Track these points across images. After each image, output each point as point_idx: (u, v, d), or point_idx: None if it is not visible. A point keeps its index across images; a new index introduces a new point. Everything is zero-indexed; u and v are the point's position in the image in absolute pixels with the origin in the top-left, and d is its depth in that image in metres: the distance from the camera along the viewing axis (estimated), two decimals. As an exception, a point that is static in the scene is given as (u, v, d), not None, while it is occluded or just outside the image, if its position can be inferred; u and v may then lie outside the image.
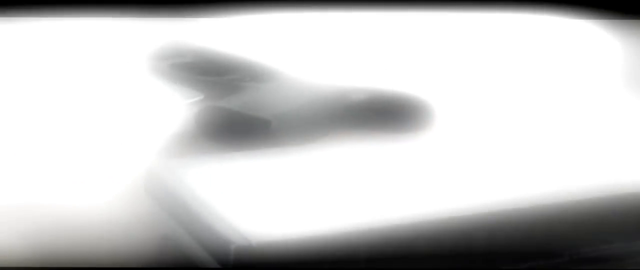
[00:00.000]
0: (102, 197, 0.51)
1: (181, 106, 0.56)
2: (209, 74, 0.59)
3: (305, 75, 0.58)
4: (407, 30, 0.64)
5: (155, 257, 0.49)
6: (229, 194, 0.48)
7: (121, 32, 0.61)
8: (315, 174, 0.51)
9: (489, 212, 0.48)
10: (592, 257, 0.49)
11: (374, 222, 0.46)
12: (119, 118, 0.55)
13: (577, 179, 0.51)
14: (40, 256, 0.49)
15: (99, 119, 0.55)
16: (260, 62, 0.59)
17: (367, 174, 0.51)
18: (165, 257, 0.49)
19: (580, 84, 0.62)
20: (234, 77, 0.59)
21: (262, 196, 0.48)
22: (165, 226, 0.50)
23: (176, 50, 0.60)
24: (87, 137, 0.54)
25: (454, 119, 0.57)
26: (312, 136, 0.54)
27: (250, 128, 0.54)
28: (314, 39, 0.62)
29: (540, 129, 0.58)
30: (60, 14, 0.60)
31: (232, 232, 0.44)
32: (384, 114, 0.57)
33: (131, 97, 0.56)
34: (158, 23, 0.61)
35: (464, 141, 0.55)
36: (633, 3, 0.65)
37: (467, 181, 0.51)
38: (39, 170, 0.53)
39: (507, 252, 0.48)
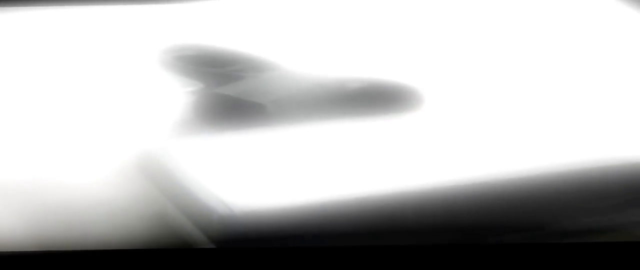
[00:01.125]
0: (97, 176, 0.52)
1: (181, 94, 0.58)
2: (209, 65, 0.61)
3: (302, 65, 0.60)
4: (405, 17, 0.65)
5: (149, 235, 0.51)
6: (217, 169, 0.49)
7: (123, 19, 0.63)
8: (304, 152, 0.52)
9: (472, 184, 0.49)
10: (575, 229, 0.50)
11: (357, 193, 0.47)
12: (119, 103, 0.56)
13: (561, 152, 0.52)
14: (34, 235, 0.51)
15: (98, 103, 0.57)
16: (259, 53, 0.61)
17: (355, 151, 0.52)
18: (159, 236, 0.50)
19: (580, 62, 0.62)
20: (233, 68, 0.60)
21: (250, 171, 0.49)
22: (159, 204, 0.51)
23: (178, 43, 0.62)
24: (85, 119, 0.56)
25: (445, 100, 0.58)
26: (306, 121, 0.56)
27: (247, 113, 0.56)
28: (311, 26, 0.64)
29: (528, 105, 0.59)
30: (62, 3, 0.62)
31: (216, 203, 0.46)
32: (379, 102, 0.58)
33: (132, 85, 0.58)
34: (161, 9, 0.63)
35: (452, 119, 0.56)
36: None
37: (453, 156, 0.52)
38: (34, 149, 0.55)
39: (491, 225, 0.49)
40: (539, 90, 0.59)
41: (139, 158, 0.52)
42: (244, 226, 0.45)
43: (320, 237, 0.46)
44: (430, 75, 0.59)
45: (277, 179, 0.49)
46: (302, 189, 0.47)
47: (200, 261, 0.47)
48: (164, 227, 0.50)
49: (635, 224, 0.51)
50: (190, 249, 0.48)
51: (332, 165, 0.50)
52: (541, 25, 0.62)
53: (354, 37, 0.63)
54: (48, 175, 0.53)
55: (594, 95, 0.58)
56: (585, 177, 0.50)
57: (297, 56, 0.61)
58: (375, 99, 0.57)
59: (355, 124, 0.56)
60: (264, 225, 0.45)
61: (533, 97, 0.58)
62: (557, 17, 0.63)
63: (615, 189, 0.50)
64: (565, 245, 0.50)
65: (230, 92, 0.58)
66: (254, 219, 0.45)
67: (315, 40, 0.62)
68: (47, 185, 0.53)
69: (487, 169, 0.50)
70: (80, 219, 0.51)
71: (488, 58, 0.62)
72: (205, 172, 0.49)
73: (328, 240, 0.46)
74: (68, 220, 0.51)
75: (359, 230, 0.47)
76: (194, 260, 0.48)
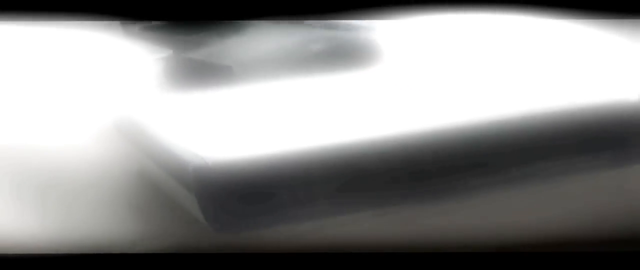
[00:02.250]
0: (79, 138, 0.56)
1: (153, 60, 0.62)
2: (177, 32, 0.65)
3: (265, 28, 0.64)
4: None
5: (131, 193, 0.54)
6: (190, 126, 0.54)
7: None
8: (268, 107, 0.56)
9: (430, 130, 0.53)
10: (531, 173, 0.54)
11: (324, 142, 0.51)
12: (94, 69, 0.60)
13: (518, 99, 0.57)
14: (18, 195, 0.54)
15: (75, 71, 0.60)
16: (223, 19, 0.65)
17: (321, 103, 0.56)
18: (140, 195, 0.54)
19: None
20: (200, 34, 0.64)
21: (220, 126, 0.54)
22: (139, 162, 0.56)
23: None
24: (65, 87, 0.59)
25: (399, 57, 0.63)
26: (270, 79, 0.60)
27: (213, 74, 0.60)
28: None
29: (488, 55, 0.63)
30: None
31: (190, 155, 0.50)
32: (338, 60, 0.62)
33: (105, 53, 0.62)
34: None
35: (413, 70, 0.60)
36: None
37: (413, 104, 0.56)
38: (17, 114, 0.58)
39: (450, 169, 0.53)
40: (489, 44, 0.63)
41: (119, 120, 0.56)
42: (217, 175, 0.49)
43: (288, 185, 0.50)
44: (386, 34, 0.63)
45: (245, 132, 0.53)
46: (269, 141, 0.51)
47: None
48: (144, 182, 0.54)
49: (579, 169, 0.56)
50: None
51: (295, 119, 0.54)
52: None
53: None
54: (32, 141, 0.57)
55: (566, 49, 0.63)
56: (541, 122, 0.54)
57: (260, 21, 0.65)
58: (334, 57, 0.61)
59: (316, 81, 0.60)
60: (235, 174, 0.49)
61: (502, 50, 0.62)
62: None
63: (571, 134, 0.55)
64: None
65: (198, 56, 0.62)
66: (226, 168, 0.49)
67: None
68: (32, 150, 0.56)
69: (440, 118, 0.54)
70: (64, 182, 0.55)
71: (443, 18, 0.66)
72: (180, 130, 0.53)
73: (295, 187, 0.50)
74: (53, 184, 0.55)
75: (325, 178, 0.51)
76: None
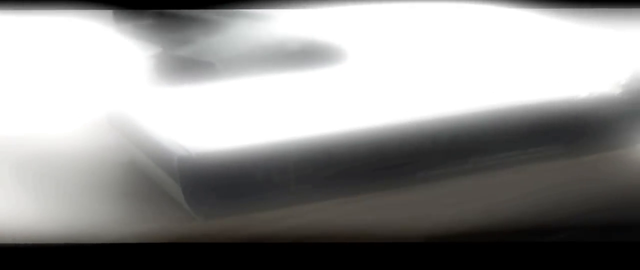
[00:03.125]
0: (73, 129, 0.60)
1: (141, 57, 0.66)
2: (165, 31, 0.69)
3: (246, 28, 0.68)
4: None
5: (123, 182, 0.58)
6: (176, 119, 0.58)
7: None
8: (251, 100, 0.60)
9: (399, 123, 0.57)
10: (492, 164, 0.59)
11: (299, 134, 0.55)
12: (88, 66, 0.64)
13: (481, 93, 0.61)
14: (13, 183, 0.57)
15: (70, 67, 0.64)
16: (209, 19, 0.69)
17: (297, 98, 0.61)
18: (131, 183, 0.58)
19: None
20: (186, 33, 0.68)
21: (203, 119, 0.58)
22: (129, 153, 0.60)
23: (137, 13, 0.69)
24: (60, 81, 0.63)
25: (367, 55, 0.66)
26: (251, 75, 0.64)
27: (198, 70, 0.64)
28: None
29: (453, 54, 0.67)
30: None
31: (176, 146, 0.54)
32: (315, 58, 0.66)
33: (99, 50, 0.66)
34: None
35: (380, 69, 0.64)
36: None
37: (383, 98, 0.61)
38: (14, 106, 0.61)
39: (418, 159, 0.57)
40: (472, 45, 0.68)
41: (110, 112, 0.60)
42: (200, 165, 0.53)
43: (266, 174, 0.55)
44: (355, 35, 0.67)
45: (227, 124, 0.57)
46: (249, 133, 0.56)
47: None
48: (134, 170, 0.58)
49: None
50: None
51: (273, 112, 0.59)
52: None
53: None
54: (23, 132, 0.60)
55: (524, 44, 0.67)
56: (501, 116, 0.59)
57: (241, 20, 0.69)
58: (308, 55, 0.65)
59: (292, 75, 0.64)
60: (218, 165, 0.53)
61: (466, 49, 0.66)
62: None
63: (526, 126, 0.59)
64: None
65: (184, 53, 0.66)
66: (209, 159, 0.53)
67: (257, 7, 0.70)
68: (23, 141, 0.60)
69: (405, 112, 0.59)
70: (59, 169, 0.59)
71: (408, 20, 0.70)
72: (167, 122, 0.57)
73: (273, 177, 0.55)
74: (48, 172, 0.59)
75: (300, 167, 0.55)
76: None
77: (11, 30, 0.65)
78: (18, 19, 0.65)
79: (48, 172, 0.58)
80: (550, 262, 0.57)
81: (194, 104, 0.60)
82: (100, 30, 0.67)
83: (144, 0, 0.69)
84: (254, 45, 0.66)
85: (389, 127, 0.57)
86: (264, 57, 0.66)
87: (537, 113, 0.60)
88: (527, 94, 0.61)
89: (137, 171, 0.59)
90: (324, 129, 0.56)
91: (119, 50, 0.66)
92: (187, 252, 0.53)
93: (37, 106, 0.61)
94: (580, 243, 0.58)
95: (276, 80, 0.63)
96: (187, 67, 0.64)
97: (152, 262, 0.51)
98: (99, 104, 0.61)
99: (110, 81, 0.63)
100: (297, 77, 0.63)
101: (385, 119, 0.57)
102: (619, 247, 0.58)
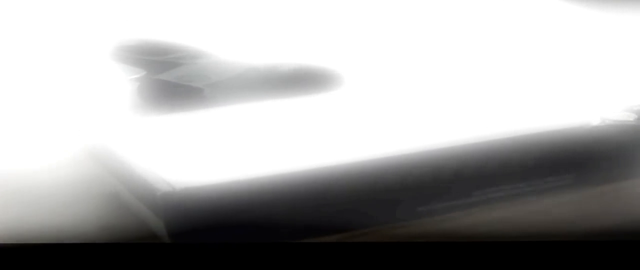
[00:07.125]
0: (52, 161, 0.57)
1: (125, 81, 0.63)
2: (149, 54, 0.66)
3: (235, 52, 0.65)
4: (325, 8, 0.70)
5: (103, 216, 0.55)
6: (160, 149, 0.55)
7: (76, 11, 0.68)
8: (241, 130, 0.57)
9: (399, 155, 0.54)
10: (497, 197, 0.56)
11: (290, 169, 0.52)
12: (68, 91, 0.61)
13: (484, 123, 0.58)
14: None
15: (49, 92, 0.61)
16: (195, 42, 0.66)
17: (288, 129, 0.58)
18: (113, 216, 0.55)
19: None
20: (172, 56, 0.66)
21: (189, 150, 0.55)
22: (111, 185, 0.57)
23: (121, 36, 0.67)
24: (37, 107, 0.60)
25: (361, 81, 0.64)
26: (241, 101, 0.61)
27: (185, 96, 0.61)
28: (242, 16, 0.69)
29: (451, 82, 0.64)
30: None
31: (159, 181, 0.51)
32: (306, 84, 0.63)
33: (80, 74, 0.63)
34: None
35: (379, 95, 0.62)
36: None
37: (379, 129, 0.57)
38: None
39: (419, 192, 0.54)
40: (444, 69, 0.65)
41: (91, 143, 0.57)
42: (184, 202, 0.50)
43: (255, 211, 0.52)
44: (349, 60, 0.65)
45: (215, 156, 0.54)
46: (239, 165, 0.53)
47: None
48: (115, 205, 0.56)
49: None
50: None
51: (264, 143, 0.56)
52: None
53: (281, 27, 0.68)
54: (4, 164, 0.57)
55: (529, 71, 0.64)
56: (506, 147, 0.56)
57: (230, 44, 0.66)
58: (301, 80, 0.63)
59: (285, 103, 0.61)
60: (202, 201, 0.51)
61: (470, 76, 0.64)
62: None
63: (532, 158, 0.56)
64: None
65: (170, 78, 0.63)
66: (194, 194, 0.50)
67: (246, 30, 0.67)
68: (5, 172, 0.57)
69: (400, 143, 0.56)
70: (37, 203, 0.56)
71: (402, 45, 0.68)
72: (149, 153, 0.54)
73: (262, 212, 0.52)
74: (26, 204, 0.56)
75: (292, 203, 0.52)
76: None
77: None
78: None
79: (26, 202, 0.55)
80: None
81: (179, 133, 0.57)
82: (81, 54, 0.64)
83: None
84: (245, 69, 0.63)
85: (388, 159, 0.54)
86: (255, 82, 0.63)
87: (542, 143, 0.57)
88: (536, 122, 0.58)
89: (120, 207, 0.55)
90: (319, 162, 0.53)
91: (99, 74, 0.63)
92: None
93: (13, 136, 0.59)
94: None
95: (268, 107, 0.60)
96: (173, 92, 0.61)
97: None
98: (79, 134, 0.58)
99: (90, 109, 0.60)
100: (290, 104, 0.61)
101: (384, 151, 0.54)
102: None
